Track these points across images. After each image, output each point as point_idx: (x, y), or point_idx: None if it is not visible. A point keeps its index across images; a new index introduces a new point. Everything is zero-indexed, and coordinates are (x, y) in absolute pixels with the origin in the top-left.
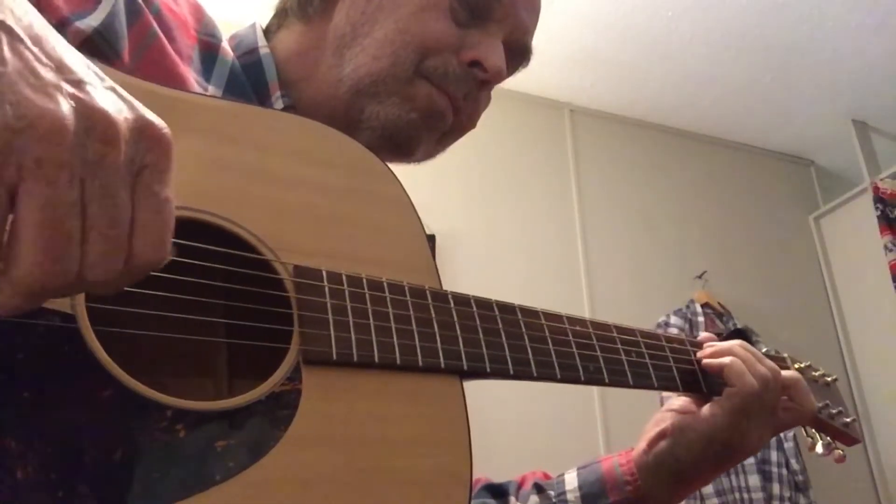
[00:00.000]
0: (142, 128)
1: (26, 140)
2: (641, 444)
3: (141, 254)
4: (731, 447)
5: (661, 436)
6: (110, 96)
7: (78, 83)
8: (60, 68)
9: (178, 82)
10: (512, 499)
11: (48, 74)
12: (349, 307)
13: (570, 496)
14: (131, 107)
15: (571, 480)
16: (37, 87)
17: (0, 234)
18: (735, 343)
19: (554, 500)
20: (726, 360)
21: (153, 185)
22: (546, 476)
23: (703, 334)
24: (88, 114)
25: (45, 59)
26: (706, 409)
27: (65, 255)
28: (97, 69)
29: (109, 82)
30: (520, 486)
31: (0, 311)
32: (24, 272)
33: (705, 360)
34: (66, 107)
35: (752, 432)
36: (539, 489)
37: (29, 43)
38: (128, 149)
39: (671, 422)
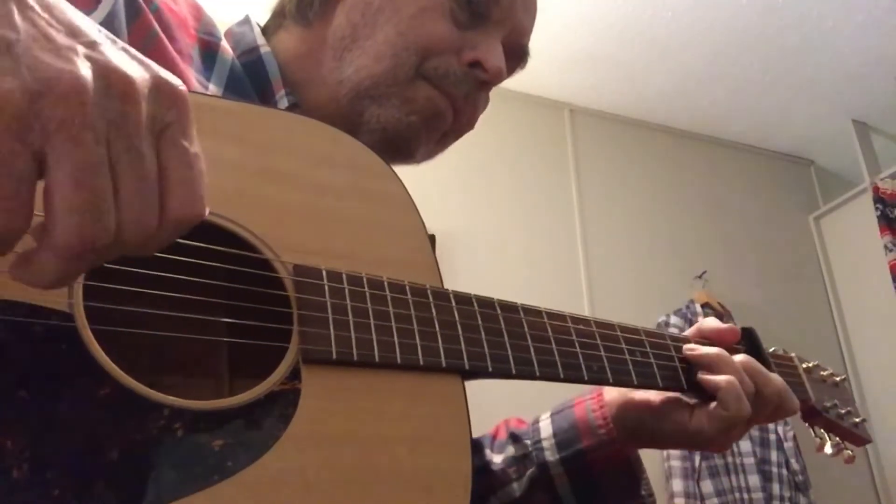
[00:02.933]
0: (159, 85)
1: (47, 102)
2: (621, 399)
3: (178, 208)
4: (710, 447)
5: (649, 409)
6: (124, 56)
7: (92, 44)
8: (73, 31)
9: None
10: (487, 451)
11: (62, 38)
12: (349, 306)
13: (545, 443)
14: (146, 66)
15: (546, 427)
16: (52, 50)
17: (30, 203)
18: (716, 354)
19: (530, 447)
20: (721, 380)
21: (180, 140)
22: (520, 422)
23: (708, 319)
24: (105, 73)
25: (56, 24)
26: (697, 417)
27: (100, 214)
28: (108, 32)
29: (122, 43)
30: (494, 436)
31: (45, 282)
32: (65, 235)
33: (700, 375)
34: (83, 67)
35: (732, 439)
36: (515, 438)
37: (38, 9)
38: (148, 106)
39: (662, 402)
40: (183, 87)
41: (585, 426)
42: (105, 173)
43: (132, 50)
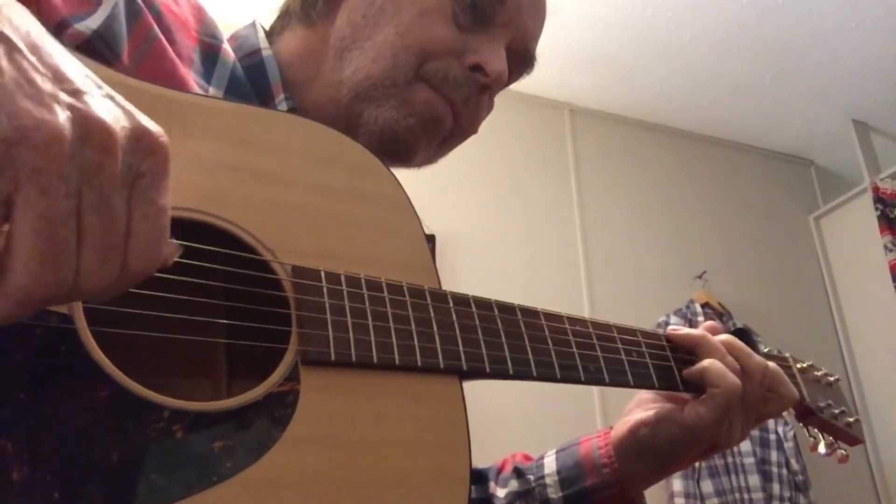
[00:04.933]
0: (139, 136)
1: (22, 150)
2: (623, 429)
3: (135, 262)
4: (715, 443)
5: (643, 424)
6: (107, 104)
7: (75, 92)
8: (57, 77)
9: (178, 84)
10: (491, 484)
11: (45, 84)
12: (347, 307)
13: (548, 480)
14: (129, 115)
15: (550, 464)
16: (33, 97)
17: None
18: (700, 334)
19: (533, 483)
20: (704, 363)
21: (150, 193)
22: (527, 458)
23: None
24: (85, 123)
25: (42, 69)
26: (690, 406)
27: (60, 264)
28: (95, 77)
29: (107, 90)
30: (500, 470)
31: None
32: (20, 282)
33: (685, 371)
34: (62, 117)
35: (735, 428)
36: (518, 473)
37: (26, 52)
38: (125, 157)
39: (655, 412)
40: (164, 138)
41: (590, 465)
42: (71, 225)
43: (117, 96)
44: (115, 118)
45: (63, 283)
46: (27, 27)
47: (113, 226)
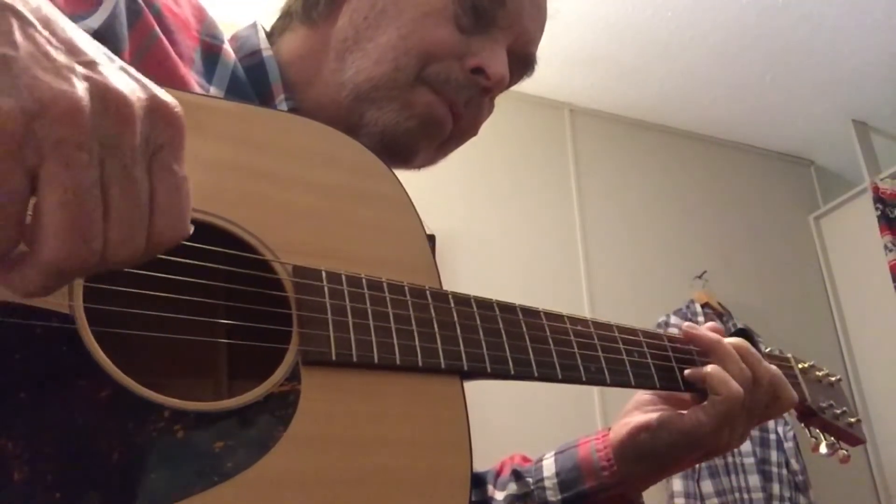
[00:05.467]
0: (155, 107)
1: (44, 123)
2: (622, 432)
3: (162, 232)
4: (715, 449)
5: (644, 429)
6: (122, 76)
7: (90, 64)
8: (72, 50)
9: (179, 84)
10: (490, 487)
11: (60, 56)
12: (348, 307)
13: (547, 483)
14: (144, 86)
15: (549, 466)
16: (50, 70)
17: (22, 218)
18: (716, 338)
19: (532, 486)
20: (707, 369)
21: (171, 163)
22: (525, 460)
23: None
24: (103, 94)
25: (56, 42)
26: (691, 412)
27: (88, 236)
28: (107, 50)
29: (120, 63)
30: (498, 473)
31: (27, 293)
32: (50, 254)
33: (686, 372)
34: (80, 88)
35: (736, 432)
36: (517, 476)
37: (39, 26)
38: (143, 128)
39: (656, 416)
40: (179, 109)
41: (589, 467)
42: (96, 195)
43: (130, 69)
44: (132, 89)
45: (92, 255)
46: (38, 2)
47: (138, 196)
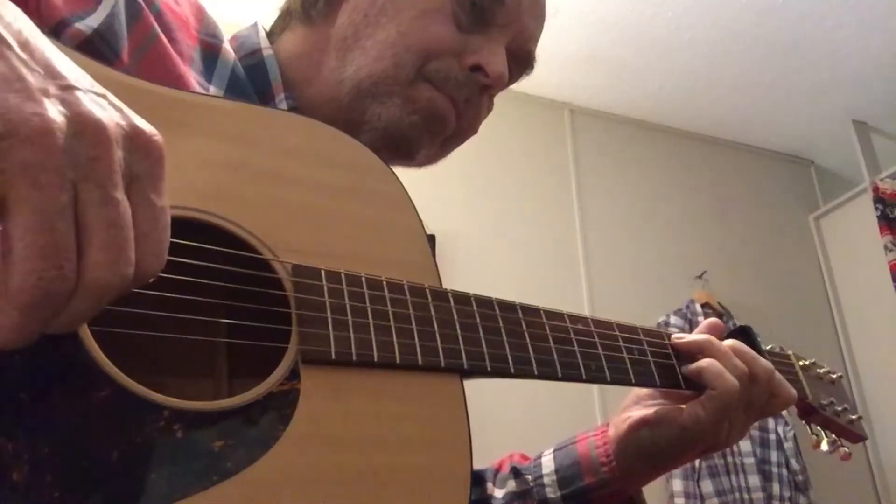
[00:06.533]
0: (133, 135)
1: (12, 144)
2: (622, 427)
3: (140, 263)
4: (714, 444)
5: (642, 423)
6: (101, 101)
7: (67, 88)
8: (49, 73)
9: (178, 83)
10: (489, 485)
11: (35, 79)
12: (348, 306)
13: (546, 479)
14: (122, 113)
15: (548, 463)
16: (21, 91)
17: None
18: (705, 339)
19: (531, 483)
20: (703, 363)
21: (149, 194)
22: (524, 458)
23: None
24: (78, 118)
25: (32, 64)
26: (689, 407)
27: (59, 258)
28: (88, 75)
29: (101, 88)
30: (497, 470)
31: (4, 339)
32: (20, 282)
33: (684, 368)
34: (53, 110)
35: (735, 428)
36: (516, 473)
37: (16, 48)
38: (120, 154)
39: (655, 411)
40: (158, 137)
41: (588, 463)
42: (67, 218)
43: (111, 97)
44: (109, 115)
45: (63, 281)
46: (19, 24)
47: (117, 219)
